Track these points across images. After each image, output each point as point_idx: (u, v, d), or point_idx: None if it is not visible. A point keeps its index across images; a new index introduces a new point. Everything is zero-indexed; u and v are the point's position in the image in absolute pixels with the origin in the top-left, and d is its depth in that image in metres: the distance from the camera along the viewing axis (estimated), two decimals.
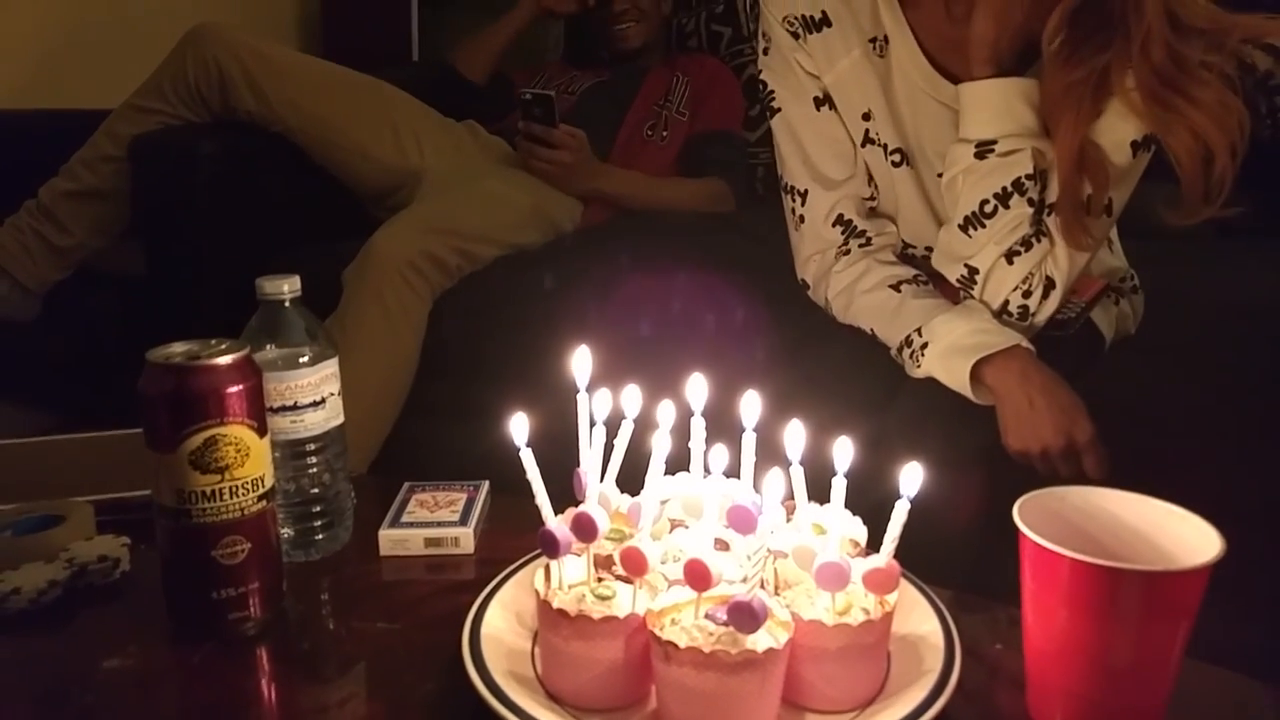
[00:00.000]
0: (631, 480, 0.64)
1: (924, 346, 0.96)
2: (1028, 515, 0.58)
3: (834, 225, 1.08)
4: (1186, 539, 0.58)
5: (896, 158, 1.05)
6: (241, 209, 1.58)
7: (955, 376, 0.93)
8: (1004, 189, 0.94)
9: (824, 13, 1.04)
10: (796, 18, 1.05)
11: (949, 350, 0.94)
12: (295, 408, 0.76)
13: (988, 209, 0.95)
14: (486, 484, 0.87)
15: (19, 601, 0.70)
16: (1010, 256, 0.95)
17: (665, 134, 1.81)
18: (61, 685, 0.64)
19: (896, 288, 1.03)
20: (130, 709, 0.63)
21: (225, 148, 1.57)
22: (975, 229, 0.96)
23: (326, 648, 0.71)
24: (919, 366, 0.96)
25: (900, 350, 1.00)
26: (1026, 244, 0.95)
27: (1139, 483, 0.62)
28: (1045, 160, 0.94)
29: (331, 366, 0.78)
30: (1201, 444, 0.98)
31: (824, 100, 1.07)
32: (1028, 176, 0.93)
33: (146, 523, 0.69)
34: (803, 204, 1.09)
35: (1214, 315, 1.15)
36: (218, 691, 0.64)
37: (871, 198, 1.09)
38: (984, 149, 0.95)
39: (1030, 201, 0.94)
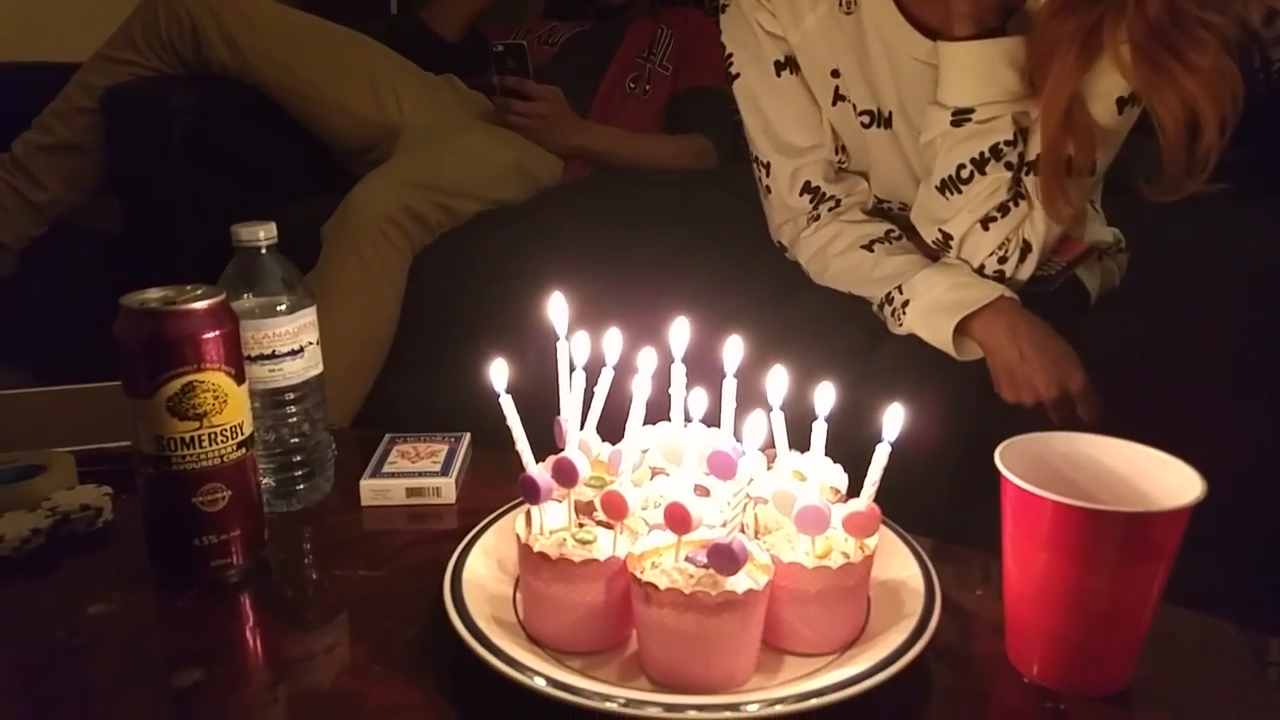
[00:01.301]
0: (612, 430, 0.64)
1: (905, 304, 0.95)
2: (1010, 460, 0.58)
3: (801, 194, 1.06)
4: (1168, 483, 0.58)
5: (866, 119, 1.03)
6: (217, 163, 1.56)
7: (939, 334, 0.93)
8: (981, 154, 0.92)
9: None
10: None
11: (931, 308, 0.93)
12: (273, 356, 0.75)
13: (964, 174, 0.93)
14: (468, 435, 0.87)
15: (2, 549, 0.70)
16: (986, 223, 0.94)
17: (648, 88, 1.79)
18: (47, 630, 0.65)
19: (869, 247, 1.02)
20: (115, 653, 0.63)
21: (200, 101, 1.54)
22: (951, 193, 0.95)
23: (309, 595, 0.71)
24: (900, 325, 0.96)
25: (881, 308, 1.00)
26: (1004, 209, 0.93)
27: (1125, 431, 0.62)
28: (1027, 119, 0.92)
29: (309, 315, 0.78)
30: (1186, 394, 0.98)
31: (785, 64, 1.04)
32: (1006, 142, 0.91)
33: (127, 473, 0.68)
34: (768, 175, 1.08)
35: (1202, 270, 1.15)
36: (202, 637, 0.64)
37: (840, 161, 1.07)
38: (961, 117, 0.92)
39: (1008, 165, 0.92)
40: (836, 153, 1.06)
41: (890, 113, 1.02)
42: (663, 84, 1.80)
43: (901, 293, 0.96)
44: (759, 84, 1.06)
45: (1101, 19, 0.84)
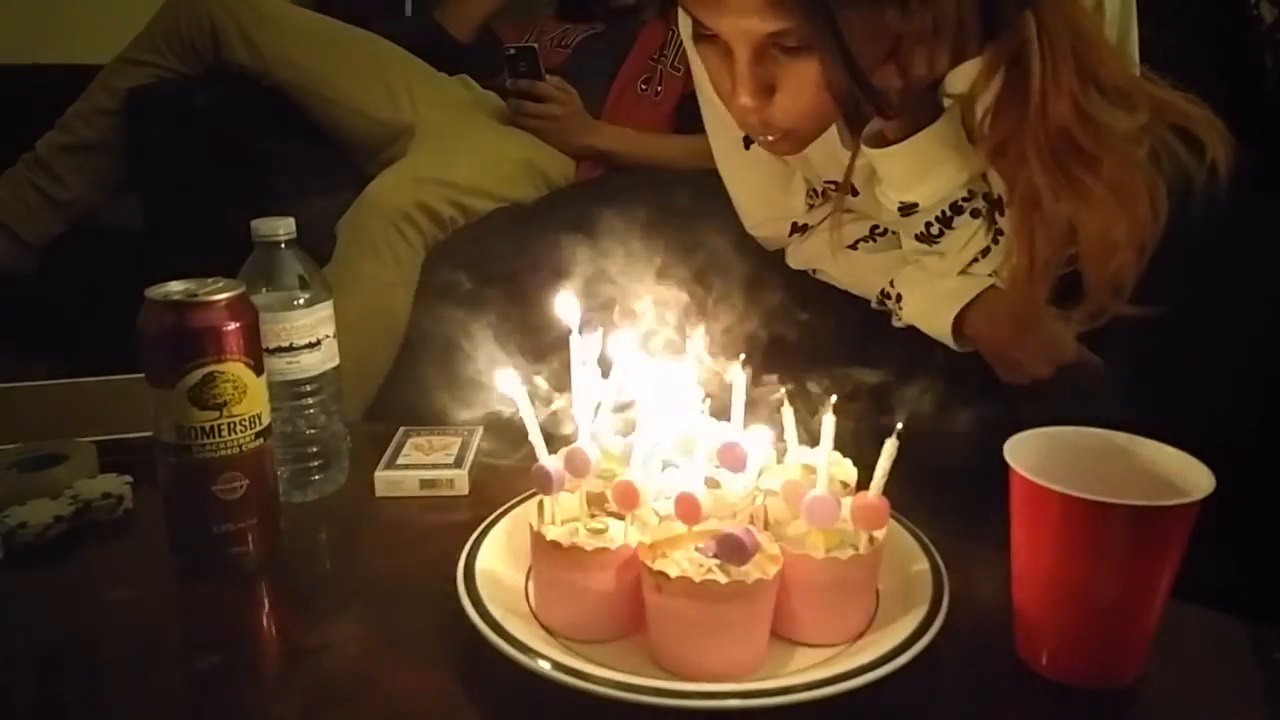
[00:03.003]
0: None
1: (899, 298, 0.95)
2: (1018, 454, 0.58)
3: (776, 235, 1.05)
4: (1177, 476, 0.58)
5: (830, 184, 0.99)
6: (236, 161, 1.57)
7: (937, 328, 0.92)
8: (942, 214, 0.87)
9: None
10: None
11: (925, 301, 0.92)
12: (291, 349, 0.76)
13: (933, 230, 0.88)
14: (480, 429, 0.88)
15: (26, 535, 0.71)
16: (969, 266, 0.90)
17: (660, 89, 1.79)
18: (69, 614, 0.66)
19: (854, 247, 1.00)
20: (135, 637, 0.64)
21: (220, 100, 1.56)
22: (928, 244, 0.90)
23: (324, 584, 0.72)
24: (900, 320, 0.96)
25: (880, 303, 0.99)
26: (985, 251, 0.88)
27: (1134, 426, 0.62)
28: (985, 167, 0.84)
29: (327, 309, 0.79)
30: (1198, 389, 0.98)
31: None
32: (963, 199, 0.85)
33: (147, 463, 0.70)
34: (745, 225, 1.06)
35: (1215, 269, 1.14)
36: (220, 623, 0.66)
37: (811, 203, 1.03)
38: (907, 209, 0.87)
39: (975, 213, 0.86)
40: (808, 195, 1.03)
41: (850, 183, 0.96)
42: (674, 85, 1.80)
43: (894, 287, 0.96)
44: (726, 158, 1.03)
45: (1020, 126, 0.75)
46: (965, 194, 0.85)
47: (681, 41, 1.83)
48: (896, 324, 0.97)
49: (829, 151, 0.93)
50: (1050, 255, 0.78)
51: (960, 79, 0.78)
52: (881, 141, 0.84)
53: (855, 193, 0.96)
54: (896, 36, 0.72)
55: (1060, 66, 0.71)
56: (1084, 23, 0.72)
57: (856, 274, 1.00)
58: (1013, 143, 0.75)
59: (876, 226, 1.00)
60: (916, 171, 0.84)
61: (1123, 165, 0.73)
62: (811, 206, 1.04)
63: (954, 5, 0.72)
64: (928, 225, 0.88)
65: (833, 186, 0.98)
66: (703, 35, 0.76)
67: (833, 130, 0.91)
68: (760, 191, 1.03)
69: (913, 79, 0.75)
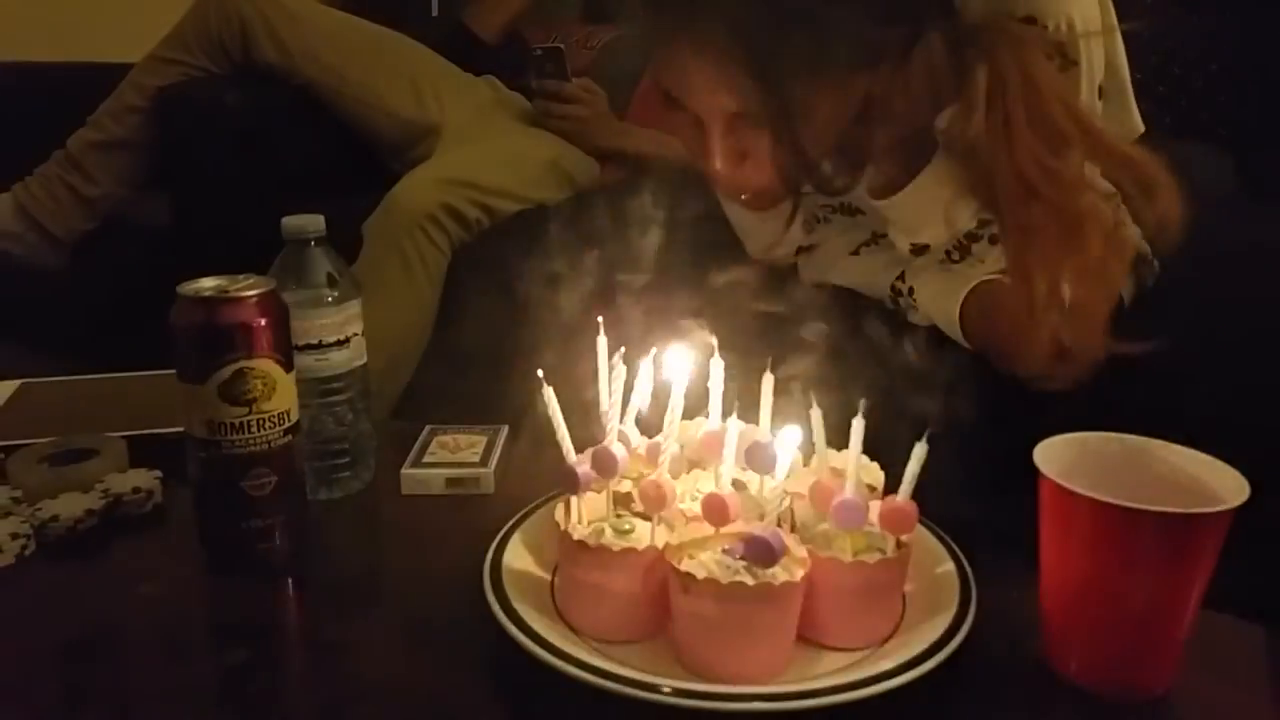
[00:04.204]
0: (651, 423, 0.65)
1: (911, 290, 0.93)
2: (1048, 459, 0.58)
3: (783, 256, 1.04)
4: (1210, 483, 0.57)
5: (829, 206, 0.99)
6: (265, 160, 1.59)
7: (945, 316, 0.90)
8: (960, 243, 0.87)
9: None
10: None
11: (935, 293, 0.90)
12: (320, 346, 0.77)
13: (954, 257, 0.88)
14: (506, 428, 0.88)
15: (57, 529, 0.72)
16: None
17: None
18: (98, 607, 0.67)
19: (856, 252, 0.99)
20: (164, 630, 0.65)
21: (250, 99, 1.58)
22: (950, 265, 0.90)
23: (350, 581, 0.73)
24: (916, 314, 0.95)
25: (895, 301, 0.98)
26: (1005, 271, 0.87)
27: (1166, 433, 0.61)
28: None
29: (355, 307, 0.79)
30: (1228, 396, 0.97)
31: None
32: (976, 229, 0.85)
33: (177, 458, 0.70)
34: (750, 253, 1.05)
35: (1227, 267, 1.12)
36: (247, 618, 0.66)
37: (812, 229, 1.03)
38: (919, 250, 0.88)
39: (993, 239, 0.85)
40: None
41: (849, 204, 0.97)
42: None
43: (904, 280, 0.95)
44: (724, 199, 1.03)
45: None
46: (976, 224, 0.85)
47: None
48: (913, 319, 0.96)
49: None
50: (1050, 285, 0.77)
51: (945, 116, 0.80)
52: (884, 192, 0.85)
53: (856, 212, 0.96)
54: (867, 96, 0.76)
55: (1013, 113, 0.73)
56: (1037, 74, 0.74)
57: (865, 276, 0.99)
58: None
59: (878, 230, 1.00)
60: (923, 212, 0.85)
61: (1072, 209, 0.74)
62: (811, 230, 1.03)
63: (923, 59, 0.75)
64: (948, 253, 0.88)
65: (829, 210, 0.98)
66: (674, 103, 0.79)
67: None
68: (755, 226, 1.03)
69: (897, 126, 0.79)
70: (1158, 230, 0.74)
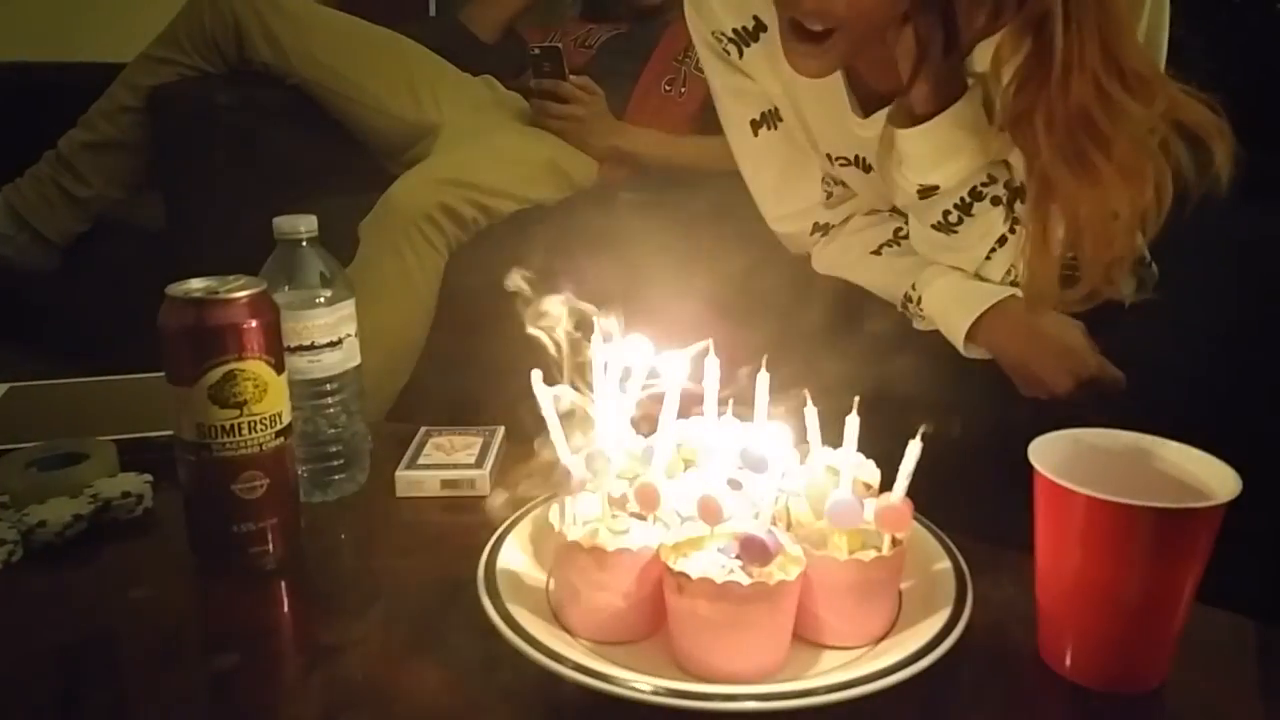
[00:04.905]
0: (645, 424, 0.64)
1: (919, 301, 0.94)
2: (1042, 456, 0.58)
3: (799, 233, 1.05)
4: (1203, 478, 0.58)
5: (843, 161, 0.99)
6: (259, 160, 1.58)
7: (951, 328, 0.91)
8: (962, 199, 0.86)
9: (755, 18, 0.92)
10: (723, 34, 0.94)
11: (944, 297, 0.92)
12: (312, 348, 0.76)
13: (952, 218, 0.88)
14: (502, 429, 0.88)
15: (46, 534, 0.71)
16: (989, 254, 0.89)
17: (684, 90, 1.79)
18: (89, 613, 0.66)
19: (878, 252, 0.99)
20: (155, 636, 0.65)
21: (243, 99, 1.58)
22: (946, 234, 0.90)
23: (344, 584, 0.72)
24: (921, 323, 0.95)
25: (904, 307, 0.99)
26: (1002, 240, 0.88)
27: (1159, 428, 0.61)
28: (1004, 153, 0.85)
29: (348, 308, 0.79)
30: (1221, 392, 0.97)
31: (761, 122, 0.99)
32: (983, 184, 0.85)
33: (168, 462, 0.70)
34: (767, 220, 1.06)
35: (1229, 266, 1.12)
36: (239, 622, 0.66)
37: (829, 192, 1.03)
38: (927, 192, 0.86)
39: (995, 200, 0.86)
40: (826, 185, 1.03)
41: (862, 158, 0.97)
42: (698, 86, 1.79)
43: (915, 290, 0.95)
44: (740, 147, 1.02)
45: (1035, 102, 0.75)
46: (986, 178, 0.85)
47: None
48: (918, 327, 0.97)
49: (836, 118, 0.93)
50: (1065, 238, 0.78)
51: (986, 54, 0.78)
52: (906, 121, 0.84)
53: (869, 168, 0.95)
54: None
55: (1086, 43, 0.71)
56: (1112, 5, 0.72)
57: (883, 278, 1.00)
58: (1031, 116, 0.75)
59: (900, 229, 1.00)
60: (940, 152, 0.84)
61: (1134, 150, 0.73)
62: (829, 194, 1.03)
63: None
64: (946, 214, 0.88)
65: (845, 162, 0.97)
66: None
67: (841, 96, 0.91)
68: (775, 183, 1.03)
69: (969, 31, 0.77)
70: (1210, 186, 0.72)
